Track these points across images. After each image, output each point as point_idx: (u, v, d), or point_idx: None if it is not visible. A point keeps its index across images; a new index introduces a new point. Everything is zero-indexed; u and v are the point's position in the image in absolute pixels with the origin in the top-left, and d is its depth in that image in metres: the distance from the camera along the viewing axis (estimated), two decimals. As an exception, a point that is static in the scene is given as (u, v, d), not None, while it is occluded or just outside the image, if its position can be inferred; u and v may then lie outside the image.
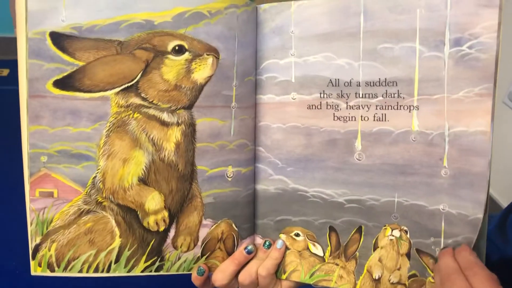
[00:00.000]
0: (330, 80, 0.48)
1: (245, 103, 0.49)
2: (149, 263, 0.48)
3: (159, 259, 0.49)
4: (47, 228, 0.46)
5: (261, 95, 0.50)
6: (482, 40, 0.43)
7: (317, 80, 0.48)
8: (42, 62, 0.41)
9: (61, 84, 0.42)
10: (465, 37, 0.43)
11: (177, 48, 0.44)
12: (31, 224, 0.45)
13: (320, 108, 0.49)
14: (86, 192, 0.45)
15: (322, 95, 0.48)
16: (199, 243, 0.49)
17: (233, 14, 0.46)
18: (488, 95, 0.43)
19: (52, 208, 0.45)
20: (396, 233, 0.46)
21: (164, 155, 0.46)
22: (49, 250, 0.46)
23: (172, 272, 0.49)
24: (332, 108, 0.48)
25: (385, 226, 0.47)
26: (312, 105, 0.49)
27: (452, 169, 0.44)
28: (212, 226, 0.49)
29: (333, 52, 0.48)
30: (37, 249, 0.46)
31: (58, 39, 0.41)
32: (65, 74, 0.42)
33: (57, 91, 0.42)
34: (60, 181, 0.44)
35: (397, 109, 0.46)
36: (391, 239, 0.47)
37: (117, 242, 0.47)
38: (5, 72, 2.14)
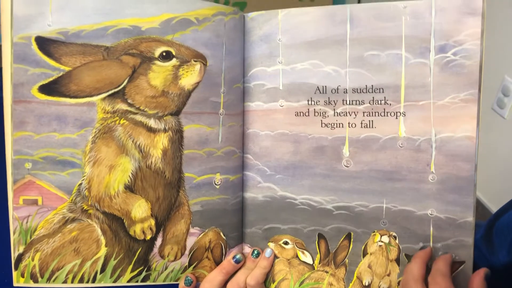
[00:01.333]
0: (318, 87, 0.48)
1: (233, 110, 0.48)
2: (135, 272, 0.47)
3: (145, 269, 0.48)
4: (30, 237, 0.45)
5: (249, 102, 0.50)
6: (466, 47, 0.44)
7: (305, 87, 0.48)
8: (27, 67, 0.41)
9: (47, 89, 0.42)
10: (450, 44, 0.44)
11: (164, 54, 0.44)
12: (14, 232, 0.44)
13: (308, 115, 0.49)
14: (71, 199, 0.45)
15: (309, 102, 0.49)
16: (187, 252, 0.48)
17: (220, 21, 0.46)
18: (473, 100, 0.43)
19: (36, 216, 0.44)
20: (385, 239, 0.46)
21: (151, 162, 0.46)
22: (33, 260, 0.45)
23: (159, 282, 0.48)
24: (320, 115, 0.48)
25: (374, 232, 0.47)
26: (300, 112, 0.49)
27: (439, 174, 0.45)
28: (199, 234, 0.49)
29: (320, 59, 0.48)
30: (20, 259, 0.45)
31: (44, 43, 0.41)
32: (50, 79, 0.42)
33: (42, 97, 0.42)
34: (45, 189, 0.43)
35: (384, 115, 0.46)
36: (380, 245, 0.46)
37: (103, 251, 0.46)
38: None
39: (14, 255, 0.45)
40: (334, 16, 0.47)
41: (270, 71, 0.50)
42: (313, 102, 0.48)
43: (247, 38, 0.49)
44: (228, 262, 0.49)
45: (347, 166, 0.47)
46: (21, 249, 0.45)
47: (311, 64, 0.49)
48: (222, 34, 0.47)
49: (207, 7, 0.46)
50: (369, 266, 0.47)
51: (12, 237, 0.45)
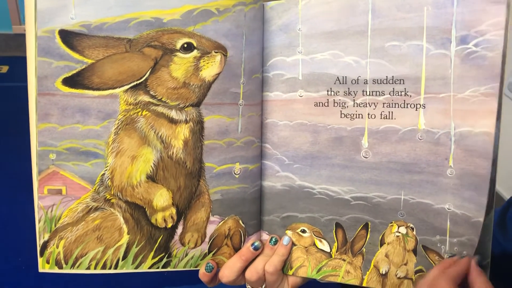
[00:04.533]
0: (338, 77, 0.48)
1: (252, 100, 0.49)
2: (156, 259, 0.49)
3: (166, 255, 0.49)
4: (55, 225, 0.46)
5: (268, 92, 0.50)
6: (488, 37, 0.42)
7: (324, 77, 0.48)
8: (51, 60, 0.41)
9: (70, 82, 0.42)
10: (471, 35, 0.43)
11: (185, 45, 0.44)
12: (39, 221, 0.46)
13: (327, 106, 0.49)
14: (95, 189, 0.45)
15: (329, 92, 0.49)
16: (207, 239, 0.49)
17: (240, 11, 0.46)
18: (494, 95, 0.42)
19: (61, 205, 0.45)
20: (403, 230, 0.47)
21: (173, 153, 0.46)
22: (57, 247, 0.46)
23: (179, 268, 0.50)
24: (339, 106, 0.48)
25: (392, 223, 0.47)
26: (319, 103, 0.49)
27: (457, 169, 0.45)
28: (219, 222, 0.50)
29: (340, 49, 0.48)
30: (45, 246, 0.46)
31: (67, 37, 0.41)
32: (74, 72, 0.42)
33: (66, 89, 0.42)
34: (69, 179, 0.44)
35: (404, 107, 0.46)
36: (397, 236, 0.47)
37: (125, 238, 0.47)
38: (4, 69, 2.24)
39: (39, 242, 0.46)
40: (355, 6, 0.47)
41: (289, 61, 0.49)
42: (332, 93, 0.49)
43: (266, 27, 0.49)
44: (247, 249, 0.50)
45: (366, 157, 0.48)
46: (46, 237, 0.46)
47: (331, 55, 0.48)
48: (242, 24, 0.46)
49: (228, -3, 0.45)
50: (386, 255, 0.48)
51: (38, 225, 0.46)
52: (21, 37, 2.35)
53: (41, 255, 0.47)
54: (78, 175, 0.44)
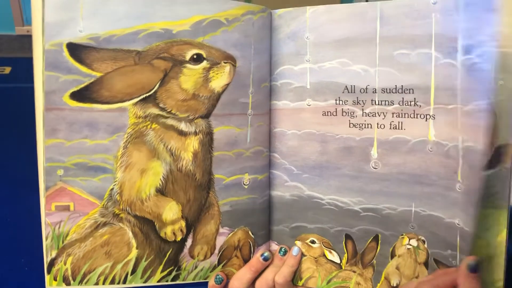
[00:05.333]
0: (346, 86, 0.48)
1: (261, 109, 0.48)
2: (165, 273, 0.48)
3: (175, 269, 0.48)
4: (62, 242, 0.45)
5: (276, 101, 0.50)
6: (485, 48, 0.40)
7: (333, 86, 0.48)
8: (59, 74, 0.40)
9: (78, 96, 0.41)
10: (474, 44, 0.41)
11: (195, 57, 0.43)
12: (46, 238, 0.44)
13: (336, 115, 0.48)
14: (103, 204, 0.44)
15: (337, 101, 0.48)
16: (216, 251, 0.49)
17: (249, 20, 0.45)
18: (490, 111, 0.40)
19: (68, 221, 0.44)
20: (414, 242, 0.47)
21: (182, 165, 0.45)
22: (65, 263, 0.45)
23: (189, 281, 0.49)
24: (348, 115, 0.48)
25: (402, 235, 0.47)
26: (327, 112, 0.49)
27: (465, 185, 0.43)
28: (228, 234, 0.49)
29: (349, 58, 0.47)
30: (52, 263, 0.45)
31: (76, 50, 0.40)
32: (82, 86, 0.41)
33: (74, 103, 0.41)
34: (77, 194, 0.43)
35: (414, 117, 0.46)
36: (408, 248, 0.47)
37: (134, 253, 0.46)
38: (7, 70, 2.17)
39: (46, 259, 0.45)
40: (364, 13, 0.46)
41: (297, 69, 0.49)
42: (341, 102, 0.48)
43: (274, 35, 0.48)
44: (256, 260, 0.49)
45: (375, 168, 0.48)
46: (53, 254, 0.45)
47: (339, 63, 0.48)
48: (250, 33, 0.46)
49: (237, 7, 0.44)
50: (397, 268, 0.48)
51: (45, 243, 0.45)
52: (24, 38, 2.32)
53: (48, 272, 0.45)
54: (86, 191, 0.43)
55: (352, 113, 0.48)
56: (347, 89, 0.48)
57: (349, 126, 0.48)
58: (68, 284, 0.46)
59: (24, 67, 2.06)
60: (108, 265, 0.46)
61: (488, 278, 0.42)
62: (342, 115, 0.48)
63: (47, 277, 0.46)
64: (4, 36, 2.31)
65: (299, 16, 0.48)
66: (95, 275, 0.46)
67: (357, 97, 0.48)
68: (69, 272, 0.46)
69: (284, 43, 0.49)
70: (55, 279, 0.46)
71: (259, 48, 0.47)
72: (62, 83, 0.40)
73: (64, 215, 0.44)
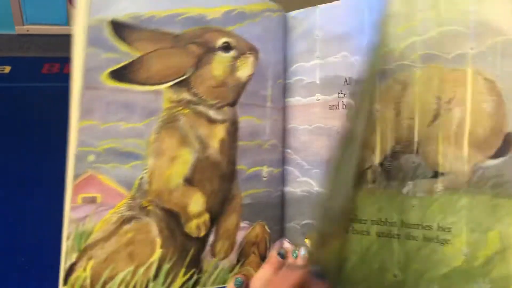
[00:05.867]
0: (345, 79, 0.51)
1: (277, 104, 0.50)
2: (187, 276, 0.45)
3: (197, 271, 0.45)
4: (84, 242, 0.40)
5: (289, 98, 0.52)
6: None
7: (336, 80, 0.51)
8: (99, 51, 0.38)
9: (117, 75, 0.39)
10: None
11: (225, 45, 0.45)
12: (68, 238, 0.39)
13: (338, 108, 0.51)
14: (131, 196, 0.41)
15: (339, 94, 0.51)
16: (236, 247, 0.47)
17: (269, 17, 0.48)
18: None
19: (94, 216, 0.40)
20: None
21: (209, 153, 0.45)
22: (85, 270, 0.40)
23: (208, 286, 0.46)
24: (347, 108, 0.51)
25: None
26: (332, 105, 0.51)
27: None
28: (248, 228, 0.48)
29: (348, 50, 0.51)
30: (71, 269, 0.40)
31: (119, 27, 0.39)
32: (121, 64, 0.39)
33: (112, 83, 0.39)
34: (105, 184, 0.40)
35: None
36: None
37: (158, 254, 0.43)
38: (7, 69, 2.11)
39: (65, 265, 0.40)
40: (357, 5, 0.50)
41: (308, 66, 0.52)
42: (342, 95, 0.51)
43: (288, 36, 0.51)
44: (275, 257, 0.48)
45: None
46: (73, 258, 0.40)
47: (341, 56, 0.51)
48: (270, 30, 0.48)
49: (259, 3, 0.47)
50: None
51: (65, 244, 0.40)
52: (24, 37, 2.28)
53: (65, 282, 0.40)
54: (116, 180, 0.40)
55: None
56: (346, 81, 0.51)
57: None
58: (85, 294, 0.41)
59: (24, 66, 2.11)
60: (130, 269, 0.42)
61: (503, 270, 0.42)
62: (343, 108, 0.51)
63: (61, 288, 0.40)
64: (4, 36, 2.27)
65: (310, 15, 0.51)
66: (114, 285, 0.42)
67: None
68: (88, 280, 0.41)
69: (297, 42, 0.52)
70: (71, 290, 0.40)
71: (276, 45, 0.50)
72: (102, 61, 0.38)
73: (90, 208, 0.40)
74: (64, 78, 2.19)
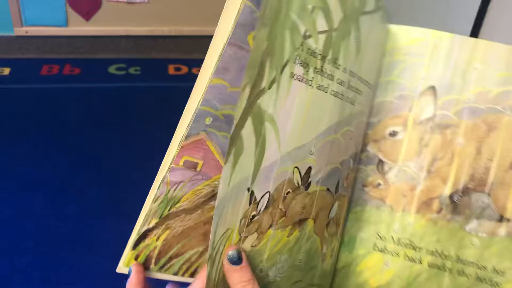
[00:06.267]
0: None
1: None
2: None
3: None
4: (169, 210, 0.35)
5: None
6: None
7: None
8: (255, 8, 0.34)
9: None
10: None
11: None
12: (155, 200, 0.34)
13: None
14: (229, 172, 0.37)
15: None
16: None
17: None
18: None
19: (188, 183, 0.35)
20: None
21: None
22: (158, 239, 0.35)
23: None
24: None
25: None
26: None
27: None
28: None
29: None
30: (145, 235, 0.35)
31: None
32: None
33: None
34: (211, 152, 0.35)
35: None
36: None
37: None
38: (6, 71, 2.13)
39: (140, 229, 0.34)
40: None
41: None
42: None
43: None
44: None
45: None
46: (152, 223, 0.35)
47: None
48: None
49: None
50: None
51: (149, 206, 0.34)
52: (23, 39, 2.33)
53: (135, 246, 0.34)
54: (222, 151, 0.36)
55: None
56: None
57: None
58: (146, 268, 0.36)
59: (24, 68, 2.13)
60: (198, 250, 0.38)
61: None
62: None
63: (128, 255, 0.35)
64: (3, 37, 2.33)
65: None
66: (178, 263, 0.37)
67: None
68: (156, 251, 0.36)
69: None
70: (135, 259, 0.35)
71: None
72: (255, 21, 0.34)
73: (188, 174, 0.35)
74: (64, 79, 2.09)
